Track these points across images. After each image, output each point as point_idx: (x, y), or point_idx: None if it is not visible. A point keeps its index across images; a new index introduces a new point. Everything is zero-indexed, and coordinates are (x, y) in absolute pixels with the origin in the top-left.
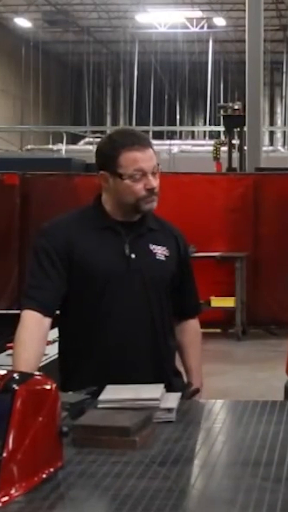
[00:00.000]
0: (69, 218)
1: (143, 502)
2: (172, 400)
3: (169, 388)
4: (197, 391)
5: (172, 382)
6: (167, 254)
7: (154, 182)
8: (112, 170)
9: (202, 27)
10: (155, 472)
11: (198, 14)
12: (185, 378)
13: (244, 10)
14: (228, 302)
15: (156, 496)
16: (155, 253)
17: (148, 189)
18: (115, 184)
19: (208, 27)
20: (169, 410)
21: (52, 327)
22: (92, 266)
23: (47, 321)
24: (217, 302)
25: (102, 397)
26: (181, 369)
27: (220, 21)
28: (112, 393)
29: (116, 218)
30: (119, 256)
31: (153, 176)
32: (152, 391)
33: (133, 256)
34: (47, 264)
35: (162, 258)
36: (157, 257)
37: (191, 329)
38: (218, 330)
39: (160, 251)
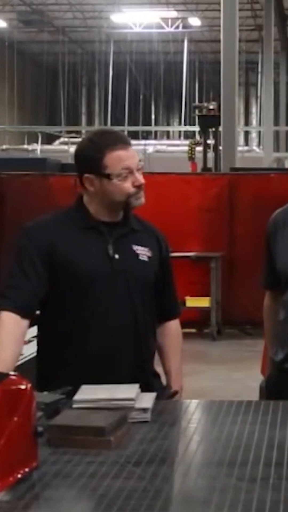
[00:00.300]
0: (52, 218)
1: (118, 502)
2: (147, 400)
3: (148, 390)
4: (175, 393)
5: (151, 383)
6: (150, 255)
7: (141, 179)
8: (98, 172)
9: (177, 27)
10: (130, 472)
11: (173, 14)
12: (163, 380)
13: (219, 10)
14: (203, 302)
15: (131, 496)
16: (138, 254)
17: (136, 185)
18: (102, 185)
19: (183, 27)
20: (144, 410)
21: (30, 325)
22: (75, 266)
23: (25, 322)
24: (192, 302)
25: (77, 397)
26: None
27: (195, 21)
28: (87, 393)
29: (99, 219)
30: (102, 256)
31: (139, 173)
32: (127, 391)
33: (116, 256)
34: (27, 264)
35: (145, 259)
36: (140, 258)
37: (172, 331)
38: (193, 330)
39: (143, 252)
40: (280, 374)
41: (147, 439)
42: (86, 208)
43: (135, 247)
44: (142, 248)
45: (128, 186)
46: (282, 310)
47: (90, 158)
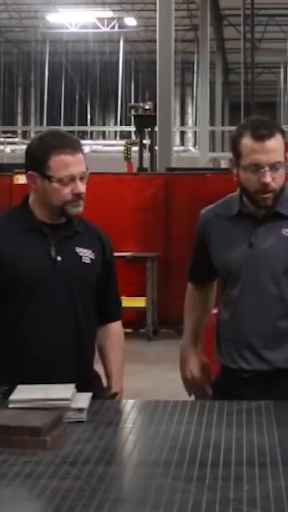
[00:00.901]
0: None
1: (54, 501)
2: (83, 400)
3: (88, 391)
4: (115, 395)
5: (92, 385)
6: (93, 257)
7: (82, 188)
8: (41, 172)
9: (113, 27)
10: (66, 472)
11: (109, 14)
12: (104, 381)
13: (155, 10)
14: (139, 302)
15: (67, 496)
16: (81, 256)
17: (75, 193)
18: (43, 185)
19: (119, 27)
20: (80, 410)
21: None
22: (17, 268)
23: None
24: (128, 302)
25: (13, 397)
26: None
27: (131, 21)
28: (23, 393)
29: (42, 220)
30: (45, 258)
31: (81, 181)
32: (63, 391)
33: (59, 258)
34: None
35: (88, 261)
36: (83, 260)
37: (114, 332)
38: (129, 330)
39: (86, 254)
40: (227, 375)
41: (83, 439)
42: (30, 209)
43: (78, 249)
44: (85, 250)
45: (66, 192)
46: (226, 310)
47: (36, 157)
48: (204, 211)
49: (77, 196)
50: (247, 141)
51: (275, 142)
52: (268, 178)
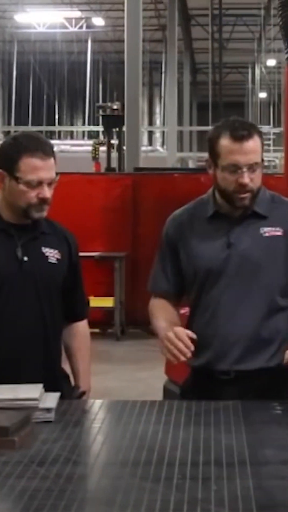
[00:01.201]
0: None
1: (22, 502)
2: (51, 400)
3: (57, 391)
4: (83, 393)
5: (60, 385)
6: (59, 257)
7: (48, 193)
8: (10, 172)
9: (81, 27)
10: (34, 472)
11: (77, 14)
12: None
13: (123, 10)
14: (107, 302)
15: (35, 496)
16: (48, 256)
17: (40, 198)
18: (10, 185)
19: (87, 27)
20: (48, 410)
21: None
22: None
23: None
24: (96, 302)
25: None
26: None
27: (99, 21)
28: None
29: (9, 221)
30: (11, 259)
31: (49, 187)
32: (31, 391)
33: (25, 259)
34: None
35: (54, 261)
36: (50, 260)
37: (80, 332)
38: (96, 330)
39: (52, 254)
40: (200, 377)
41: (51, 439)
42: None
43: (44, 250)
44: (52, 250)
45: (32, 196)
46: (204, 312)
47: (8, 156)
48: (175, 214)
49: (42, 200)
50: (225, 142)
51: (253, 143)
52: (246, 179)
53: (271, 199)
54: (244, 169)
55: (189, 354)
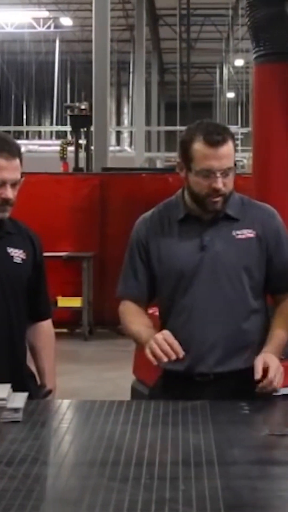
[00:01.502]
0: None
1: None
2: (19, 400)
3: (24, 391)
4: (49, 392)
5: (27, 384)
6: (24, 257)
7: (11, 194)
8: None
9: (48, 27)
10: (1, 472)
11: (44, 14)
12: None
13: (91, 10)
14: (74, 302)
15: (2, 496)
16: (13, 256)
17: (3, 198)
18: None
19: (55, 27)
20: (15, 410)
21: None
22: None
23: None
24: (63, 302)
25: None
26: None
27: (66, 21)
28: None
29: None
30: None
31: (12, 188)
32: None
33: None
34: None
35: (19, 261)
36: (15, 260)
37: (45, 331)
38: (64, 330)
39: (17, 254)
40: (171, 379)
41: (19, 439)
42: None
43: (9, 250)
44: (16, 250)
45: None
46: (178, 315)
47: None
48: (145, 216)
49: (4, 201)
50: (199, 147)
51: (227, 149)
52: (220, 184)
53: (241, 201)
54: (218, 174)
55: (181, 355)
